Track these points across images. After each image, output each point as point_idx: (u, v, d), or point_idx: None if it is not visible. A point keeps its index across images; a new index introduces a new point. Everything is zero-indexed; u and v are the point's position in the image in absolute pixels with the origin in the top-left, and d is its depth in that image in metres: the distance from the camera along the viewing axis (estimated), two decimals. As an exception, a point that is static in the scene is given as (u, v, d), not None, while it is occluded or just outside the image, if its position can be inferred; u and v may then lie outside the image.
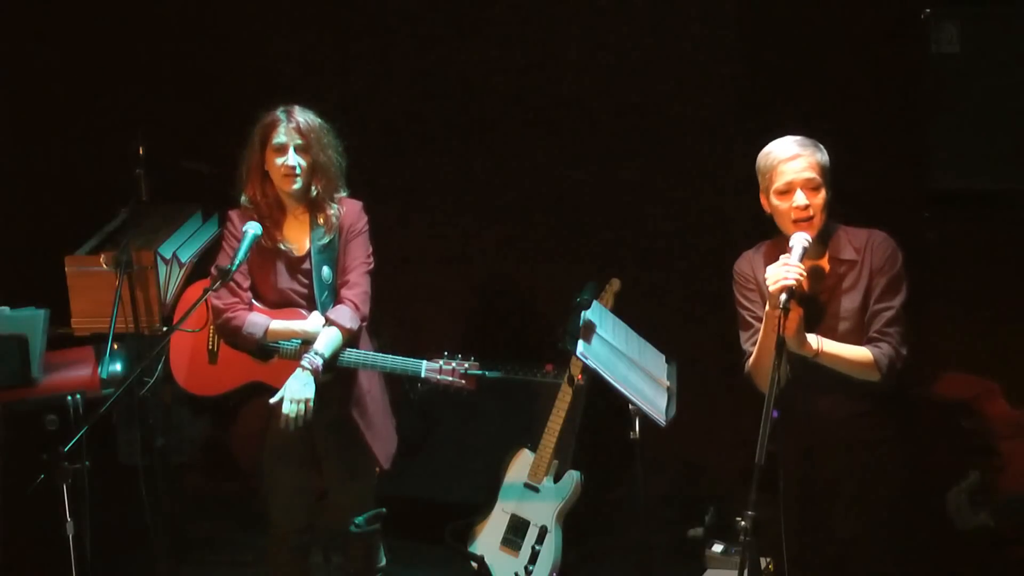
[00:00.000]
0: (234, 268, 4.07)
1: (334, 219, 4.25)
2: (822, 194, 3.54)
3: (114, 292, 4.83)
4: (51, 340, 4.79)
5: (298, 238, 4.28)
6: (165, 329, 4.85)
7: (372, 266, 4.33)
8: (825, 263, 3.60)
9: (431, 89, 6.06)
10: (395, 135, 6.09)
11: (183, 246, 5.11)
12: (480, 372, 4.23)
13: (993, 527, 4.79)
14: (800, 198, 3.54)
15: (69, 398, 4.66)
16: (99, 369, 4.78)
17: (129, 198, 5.21)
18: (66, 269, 4.99)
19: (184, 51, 6.12)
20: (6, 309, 4.71)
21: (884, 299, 3.54)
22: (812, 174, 3.53)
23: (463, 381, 4.22)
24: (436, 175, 6.11)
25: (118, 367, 4.79)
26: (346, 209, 4.29)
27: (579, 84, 5.90)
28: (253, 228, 4.15)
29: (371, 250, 4.34)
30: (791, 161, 3.56)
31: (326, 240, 4.25)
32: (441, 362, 4.22)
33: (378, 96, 6.09)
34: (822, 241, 3.61)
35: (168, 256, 5.01)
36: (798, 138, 3.61)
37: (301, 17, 6.10)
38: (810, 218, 3.55)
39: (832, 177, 3.58)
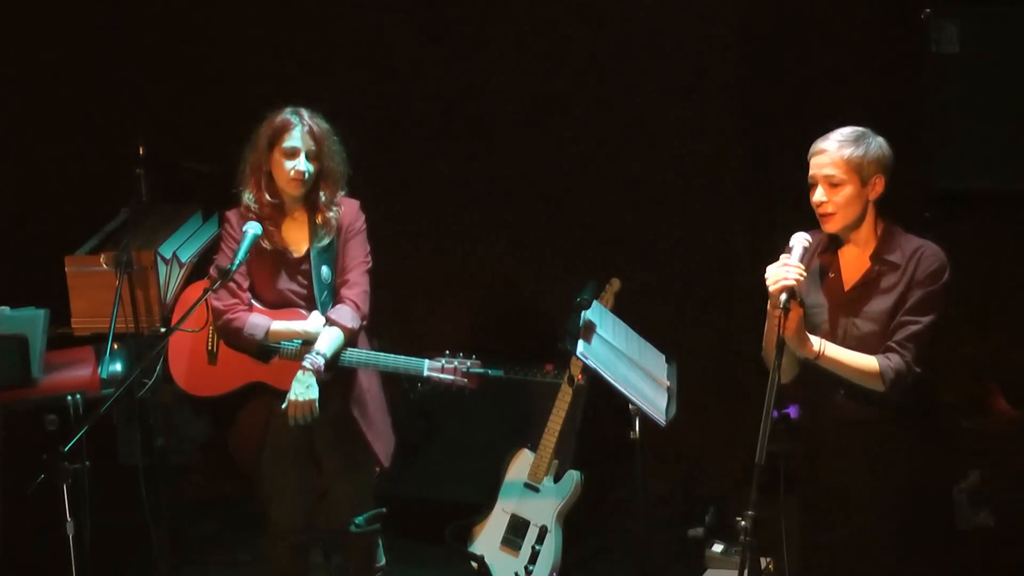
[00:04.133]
0: (234, 268, 4.07)
1: (333, 221, 4.25)
2: (845, 191, 3.48)
3: (114, 292, 4.83)
4: (51, 340, 4.78)
5: (297, 239, 4.27)
6: (164, 330, 4.85)
7: (371, 265, 4.33)
8: (867, 260, 3.55)
9: (432, 89, 6.07)
10: (396, 135, 6.09)
11: (183, 246, 5.11)
12: (482, 371, 4.23)
13: (993, 527, 4.79)
14: (818, 194, 3.52)
15: (69, 398, 4.66)
16: (99, 369, 4.78)
17: (129, 198, 5.21)
18: (66, 269, 4.99)
19: (184, 51, 6.12)
20: (6, 309, 4.71)
21: (914, 312, 3.46)
22: (832, 171, 3.48)
23: (465, 380, 4.22)
24: (436, 175, 6.11)
25: (118, 367, 4.78)
26: (344, 209, 4.29)
27: (580, 84, 5.90)
28: (253, 228, 4.14)
29: (369, 249, 4.34)
30: (815, 156, 3.53)
31: (326, 241, 4.25)
32: (443, 361, 4.22)
33: (378, 96, 6.09)
34: (853, 229, 3.53)
35: (168, 256, 5.01)
36: (841, 131, 3.52)
37: (301, 17, 6.10)
38: (829, 214, 3.52)
39: (874, 172, 3.48)
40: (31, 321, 4.66)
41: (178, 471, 5.76)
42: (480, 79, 6.00)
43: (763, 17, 5.58)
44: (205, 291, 4.12)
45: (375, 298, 4.35)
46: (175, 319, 4.43)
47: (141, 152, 5.25)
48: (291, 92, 4.35)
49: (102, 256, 4.97)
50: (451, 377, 4.21)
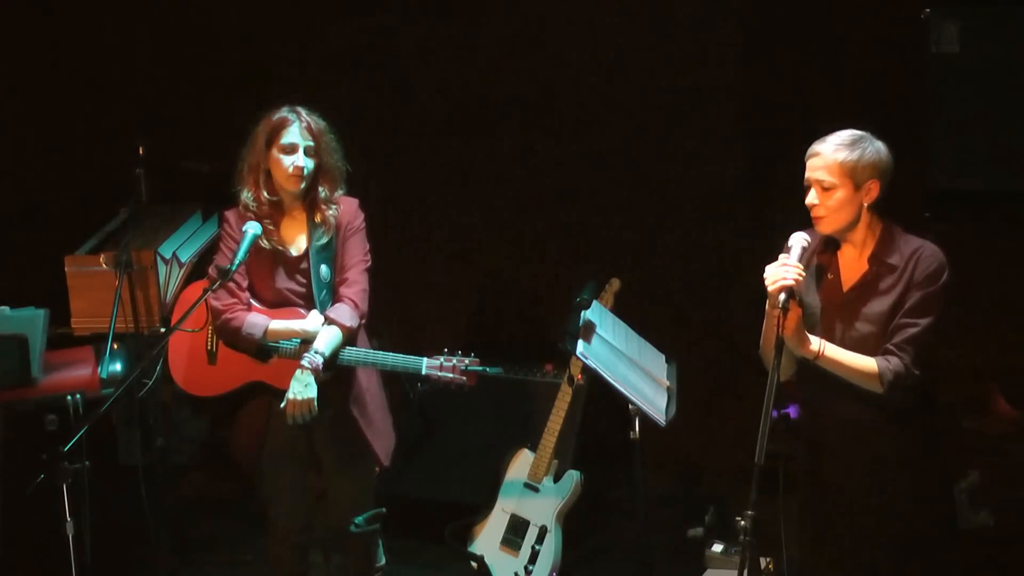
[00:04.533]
0: (234, 268, 4.07)
1: (332, 219, 4.25)
2: (837, 195, 3.46)
3: (114, 292, 4.83)
4: (51, 340, 4.78)
5: (296, 237, 4.28)
6: (163, 330, 4.85)
7: (370, 263, 4.33)
8: (865, 262, 3.53)
9: (432, 89, 6.07)
10: (396, 134, 6.09)
11: (183, 246, 5.11)
12: (481, 368, 4.23)
13: (993, 527, 4.79)
14: (810, 197, 3.52)
15: (69, 398, 4.67)
16: (99, 369, 4.78)
17: (129, 198, 5.22)
18: (66, 269, 4.99)
19: (184, 51, 6.12)
20: (6, 309, 4.71)
21: (912, 314, 3.44)
22: (825, 175, 3.48)
23: (464, 378, 4.22)
24: (437, 175, 6.11)
25: (118, 367, 4.79)
26: (343, 207, 4.29)
27: (579, 84, 5.90)
28: (253, 228, 4.14)
29: (368, 247, 4.34)
30: (810, 159, 3.52)
31: (324, 240, 4.26)
32: (441, 359, 4.22)
33: (379, 95, 6.10)
34: (848, 231, 3.51)
35: (168, 256, 5.01)
36: (839, 134, 3.51)
37: (302, 16, 6.10)
38: (820, 217, 3.51)
39: (868, 177, 3.45)
40: (31, 321, 4.66)
41: (178, 471, 5.75)
42: (481, 79, 6.00)
43: (763, 17, 5.58)
44: (205, 291, 4.11)
45: (375, 297, 4.35)
46: (175, 319, 4.44)
47: (141, 152, 5.26)
48: (291, 92, 4.35)
49: (102, 256, 4.97)
50: (450, 375, 4.21)
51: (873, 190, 3.49)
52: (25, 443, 4.64)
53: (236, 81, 6.01)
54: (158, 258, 4.96)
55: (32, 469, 3.97)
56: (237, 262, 4.07)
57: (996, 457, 4.90)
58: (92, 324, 4.98)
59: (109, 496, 4.53)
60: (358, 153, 4.42)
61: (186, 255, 5.10)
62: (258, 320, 4.19)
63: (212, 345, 4.33)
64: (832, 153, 3.48)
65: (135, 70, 6.11)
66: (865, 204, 3.50)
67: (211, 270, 4.25)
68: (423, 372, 4.21)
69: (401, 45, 6.06)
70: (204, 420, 5.95)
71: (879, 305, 3.50)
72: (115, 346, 4.79)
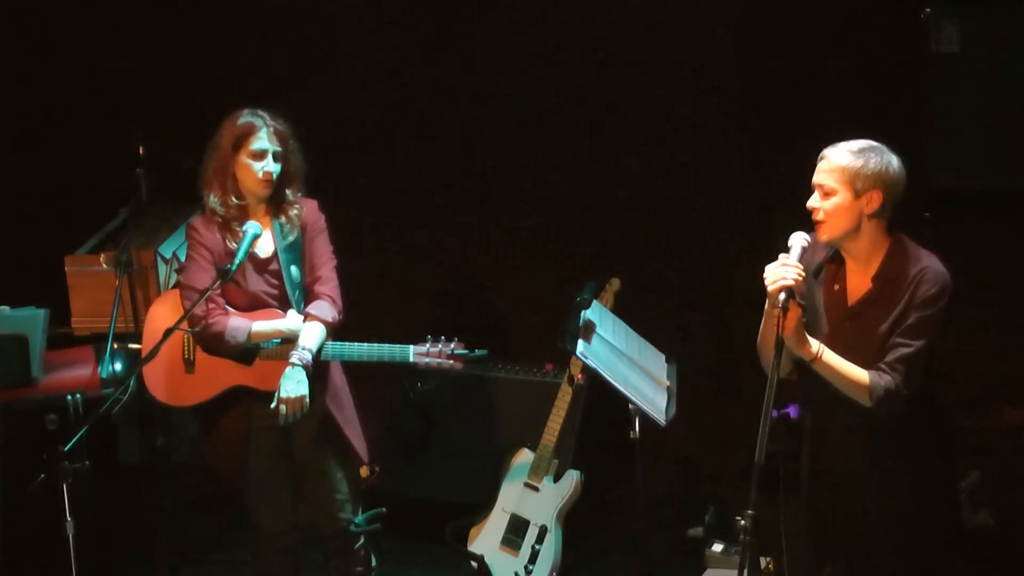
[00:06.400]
0: (234, 268, 4.07)
1: (296, 219, 4.26)
2: (835, 200, 3.44)
3: (114, 292, 4.83)
4: (51, 340, 4.79)
5: (263, 239, 4.25)
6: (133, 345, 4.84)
7: (336, 263, 4.34)
8: (870, 280, 3.52)
9: (432, 86, 6.06)
10: (396, 134, 6.09)
11: (183, 246, 5.10)
12: (466, 352, 4.24)
13: (993, 527, 4.79)
14: (811, 200, 3.51)
15: (69, 398, 4.67)
16: (99, 369, 4.78)
17: (129, 198, 5.21)
18: (66, 269, 5.00)
19: (183, 51, 6.12)
20: (6, 309, 4.72)
21: (908, 334, 3.43)
22: (826, 179, 3.46)
23: (452, 362, 4.24)
24: (436, 175, 6.11)
25: (118, 367, 4.79)
26: (305, 208, 4.31)
27: (579, 84, 5.90)
28: (253, 228, 4.13)
29: (333, 248, 4.35)
30: (819, 161, 3.52)
31: (291, 239, 4.26)
32: (427, 345, 4.24)
33: (378, 93, 6.09)
34: (848, 240, 3.49)
35: (168, 256, 5.01)
36: (852, 141, 3.49)
37: (301, 16, 6.10)
38: (820, 222, 3.49)
39: (870, 187, 3.41)
40: (31, 321, 4.66)
41: (178, 471, 5.75)
42: (481, 77, 6.00)
43: (763, 17, 5.58)
44: (203, 292, 4.09)
45: (375, 298, 4.35)
46: (146, 331, 4.37)
47: (141, 152, 5.26)
48: (292, 90, 4.35)
49: (102, 256, 4.97)
50: (438, 360, 4.22)
51: (875, 200, 3.45)
52: (25, 443, 4.64)
53: (236, 81, 6.00)
54: (158, 258, 4.96)
55: (32, 469, 3.97)
56: (238, 262, 4.07)
57: (996, 457, 4.91)
58: (92, 324, 4.98)
59: (109, 496, 4.53)
60: (358, 151, 4.42)
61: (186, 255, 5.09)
62: (240, 323, 4.17)
63: (189, 354, 4.30)
64: (836, 158, 3.47)
65: (135, 70, 6.11)
66: (866, 214, 3.47)
67: (181, 278, 4.24)
68: (411, 360, 4.22)
69: (402, 44, 6.06)
70: (204, 420, 5.94)
71: (879, 324, 3.48)
72: (115, 346, 4.79)
